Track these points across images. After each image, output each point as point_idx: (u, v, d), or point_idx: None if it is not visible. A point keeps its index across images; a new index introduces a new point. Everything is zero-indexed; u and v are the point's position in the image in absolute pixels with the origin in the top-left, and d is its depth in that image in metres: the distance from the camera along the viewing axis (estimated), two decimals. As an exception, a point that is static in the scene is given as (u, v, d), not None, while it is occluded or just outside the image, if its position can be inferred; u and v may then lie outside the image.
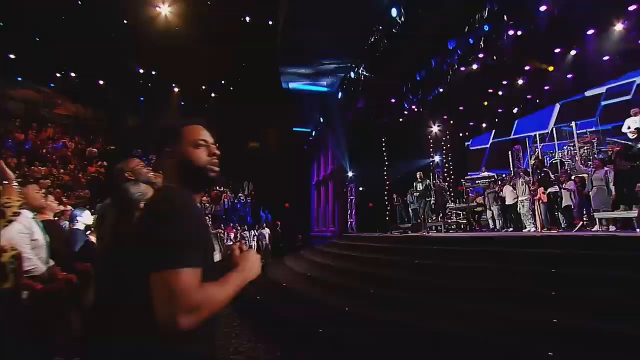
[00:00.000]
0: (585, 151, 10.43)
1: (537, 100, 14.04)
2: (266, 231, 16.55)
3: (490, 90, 13.96)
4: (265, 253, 15.73)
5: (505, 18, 9.26)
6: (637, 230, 6.75)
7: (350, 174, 17.34)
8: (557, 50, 11.06)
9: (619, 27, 9.66)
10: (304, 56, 12.29)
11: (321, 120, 16.82)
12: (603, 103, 12.31)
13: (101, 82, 19.34)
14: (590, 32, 10.11)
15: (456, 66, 11.43)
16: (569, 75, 12.32)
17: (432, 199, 13.01)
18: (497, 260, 4.47)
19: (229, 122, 21.55)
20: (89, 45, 15.42)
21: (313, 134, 19.32)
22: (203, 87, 20.91)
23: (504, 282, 3.96)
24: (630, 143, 7.34)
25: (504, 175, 12.50)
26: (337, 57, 11.61)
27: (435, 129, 18.23)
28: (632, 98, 11.31)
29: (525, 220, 9.56)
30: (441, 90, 14.13)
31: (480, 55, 11.50)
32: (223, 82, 20.23)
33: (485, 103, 14.89)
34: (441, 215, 13.20)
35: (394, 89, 14.54)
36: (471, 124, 17.75)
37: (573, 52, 10.86)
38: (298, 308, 5.29)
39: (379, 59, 11.88)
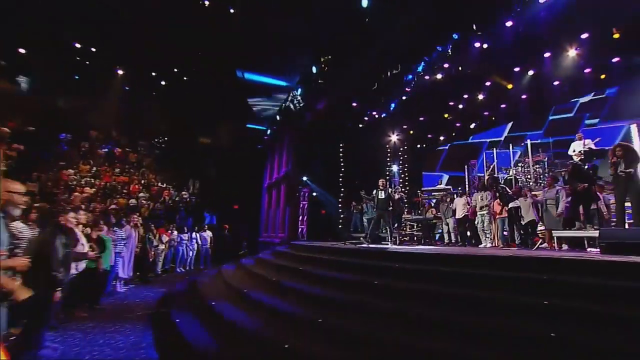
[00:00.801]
0: (539, 169, 10.58)
1: (493, 118, 14.29)
2: (208, 234, 14.91)
3: (451, 103, 13.91)
4: (205, 260, 14.14)
5: (474, 27, 8.98)
6: (588, 249, 6.62)
7: (304, 178, 16.40)
8: (516, 69, 11.18)
9: (572, 52, 9.90)
10: (264, 44, 11.14)
11: (277, 118, 15.67)
12: (550, 117, 12.82)
13: (22, 50, 16.35)
14: (547, 54, 10.29)
15: (422, 73, 11.03)
16: (523, 96, 12.62)
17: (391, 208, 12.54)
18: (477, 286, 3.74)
19: (178, 113, 19.58)
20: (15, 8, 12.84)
21: (268, 132, 18.07)
22: (153, 73, 18.70)
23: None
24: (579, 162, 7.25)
25: (459, 189, 12.40)
26: (299, 47, 10.62)
27: (394, 137, 17.98)
28: (574, 115, 11.80)
29: (482, 235, 9.31)
30: (404, 98, 13.81)
31: (446, 65, 11.30)
32: (175, 69, 18.21)
33: (446, 115, 14.85)
34: (396, 226, 12.75)
35: (357, 91, 13.92)
36: (429, 136, 17.78)
37: (531, 72, 11.05)
38: (219, 333, 4.16)
39: (343, 55, 11.15)
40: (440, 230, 11.67)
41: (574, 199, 6.87)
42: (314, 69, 11.68)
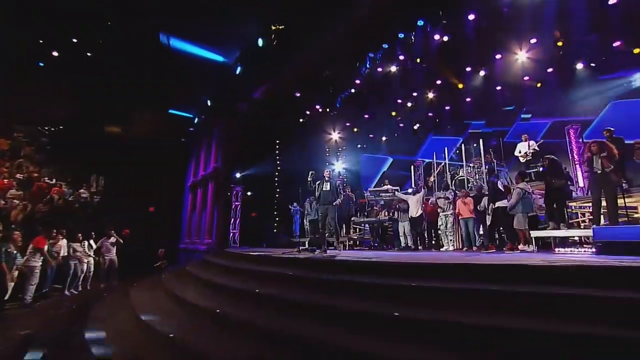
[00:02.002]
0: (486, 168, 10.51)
1: (437, 120, 14.27)
2: (113, 242, 11.66)
3: (399, 101, 13.44)
4: (109, 275, 10.86)
5: (440, 13, 8.35)
6: (555, 249, 6.29)
7: (237, 175, 14.35)
8: (468, 69, 11.07)
9: (522, 56, 10.05)
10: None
11: (208, 104, 13.35)
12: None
13: None
14: (498, 56, 10.31)
15: (378, 61, 10.14)
16: (468, 99, 12.73)
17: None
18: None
19: (83, 92, 15.52)
20: None
21: (195, 121, 15.47)
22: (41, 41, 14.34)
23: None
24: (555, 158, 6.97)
25: (410, 190, 11.82)
26: (244, 8, 8.71)
27: (335, 136, 17.03)
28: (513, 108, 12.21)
29: (445, 238, 8.68)
30: (353, 91, 12.88)
31: (401, 57, 10.64)
32: (75, 40, 14.26)
33: (394, 113, 14.37)
34: (344, 228, 11.62)
35: (305, 77, 12.49)
36: (371, 136, 17.25)
37: (482, 73, 11.04)
38: None
39: (298, 28, 9.64)
40: (392, 233, 10.87)
41: (549, 196, 6.47)
42: (260, 42, 9.86)
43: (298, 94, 13.25)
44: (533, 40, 9.35)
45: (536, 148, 9.50)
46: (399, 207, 9.82)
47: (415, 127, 15.27)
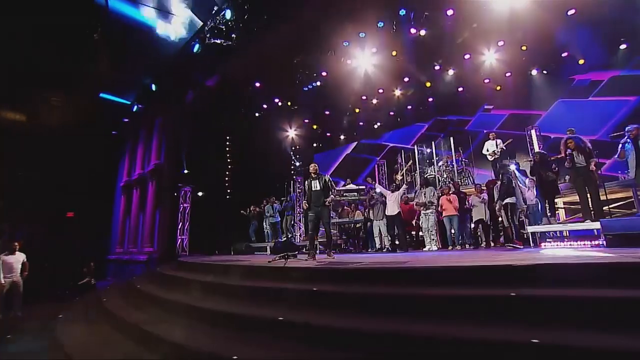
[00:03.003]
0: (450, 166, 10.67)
1: (399, 119, 14.24)
2: (17, 258, 8.74)
3: (364, 97, 13.04)
4: (10, 303, 8.03)
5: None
6: (541, 245, 6.32)
7: (185, 172, 12.53)
8: (437, 68, 11.09)
9: (490, 56, 10.36)
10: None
11: (152, 88, 11.37)
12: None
13: None
14: (467, 56, 10.49)
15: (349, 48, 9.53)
16: (430, 99, 12.89)
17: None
18: None
19: None
20: None
21: (134, 109, 13.17)
22: None
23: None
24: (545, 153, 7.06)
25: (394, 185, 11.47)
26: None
27: (292, 133, 16.09)
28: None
29: (427, 237, 8.32)
30: (318, 84, 12.11)
31: (374, 50, 10.20)
32: None
33: (357, 110, 13.94)
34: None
35: (268, 64, 11.33)
36: (328, 134, 16.66)
37: (450, 72, 11.17)
38: None
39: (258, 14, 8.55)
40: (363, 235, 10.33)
41: (543, 190, 6.46)
42: (228, 15, 8.43)
43: (258, 84, 12.02)
44: (500, 43, 9.66)
45: (503, 147, 9.82)
46: (374, 201, 9.23)
47: (376, 126, 15.10)
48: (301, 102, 13.44)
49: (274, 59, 10.92)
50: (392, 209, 8.57)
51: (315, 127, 15.48)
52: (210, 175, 13.51)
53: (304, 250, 7.10)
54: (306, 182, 6.30)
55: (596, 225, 5.64)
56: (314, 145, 17.08)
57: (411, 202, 8.82)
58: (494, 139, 9.97)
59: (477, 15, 8.43)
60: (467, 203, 7.76)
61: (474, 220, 7.82)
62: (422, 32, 9.17)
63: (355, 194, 12.18)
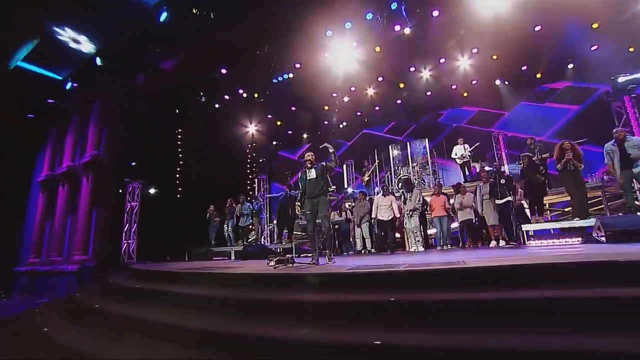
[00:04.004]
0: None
1: (365, 120, 14.14)
2: None
3: (334, 95, 12.64)
4: None
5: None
6: (529, 243, 6.57)
7: (133, 164, 10.74)
8: (412, 69, 11.19)
9: (464, 62, 10.77)
10: None
11: (97, 62, 9.43)
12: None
13: None
14: (442, 60, 10.76)
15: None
16: (398, 101, 13.02)
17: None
18: None
19: None
20: None
21: (68, 86, 10.85)
22: None
23: None
24: (531, 155, 7.36)
25: (382, 187, 11.19)
26: None
27: (252, 128, 15.00)
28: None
29: (412, 238, 8.14)
30: (290, 75, 11.37)
31: (355, 44, 9.86)
32: None
33: (326, 107, 13.45)
34: (287, 233, 9.97)
35: (232, 54, 10.26)
36: (289, 132, 15.92)
37: (424, 75, 11.34)
38: None
39: None
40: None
41: (532, 192, 6.69)
42: None
43: (224, 70, 10.84)
44: (474, 50, 10.10)
45: (470, 153, 10.25)
46: (360, 208, 8.87)
47: (341, 126, 14.83)
48: (268, 95, 12.53)
49: (245, 43, 9.95)
50: (386, 213, 8.24)
51: (279, 123, 14.63)
52: (161, 170, 11.82)
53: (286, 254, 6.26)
54: (299, 174, 5.56)
55: (589, 222, 5.98)
56: (274, 142, 16.17)
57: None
58: (462, 144, 10.38)
59: (464, 21, 8.64)
60: (459, 203, 7.75)
61: (459, 221, 7.88)
62: (407, 30, 9.09)
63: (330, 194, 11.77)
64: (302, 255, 9.39)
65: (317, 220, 5.41)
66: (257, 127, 14.98)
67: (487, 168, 8.23)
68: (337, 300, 2.99)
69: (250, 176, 15.71)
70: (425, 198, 8.46)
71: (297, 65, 10.87)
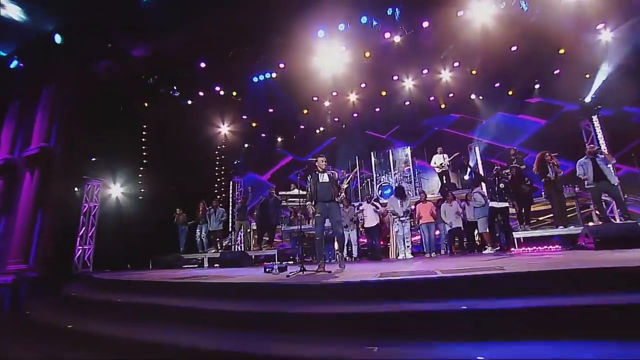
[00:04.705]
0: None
1: (344, 126, 14.06)
2: None
3: (315, 98, 12.39)
4: None
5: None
6: (512, 250, 6.83)
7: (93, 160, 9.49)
8: (395, 78, 11.33)
9: (445, 75, 11.15)
10: None
11: (55, 40, 8.20)
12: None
13: None
14: (425, 71, 11.05)
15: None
16: (377, 109, 13.14)
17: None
18: None
19: None
20: None
21: (12, 64, 9.29)
22: None
23: None
24: (519, 166, 7.68)
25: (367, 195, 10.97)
26: None
27: (224, 129, 14.19)
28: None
29: (401, 244, 8.06)
30: (273, 75, 10.92)
31: (343, 48, 9.75)
32: None
33: (306, 111, 13.14)
34: (267, 239, 9.41)
35: (211, 46, 9.58)
36: (263, 135, 15.35)
37: (406, 84, 11.54)
38: None
39: None
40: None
41: (520, 201, 6.95)
42: None
43: (203, 64, 10.11)
44: (456, 64, 10.51)
45: (448, 163, 10.58)
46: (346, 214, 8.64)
47: (318, 131, 14.62)
48: (247, 94, 11.94)
49: (230, 37, 9.38)
50: (372, 220, 8.13)
51: (254, 124, 14.02)
52: (124, 168, 10.63)
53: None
54: (309, 176, 5.29)
55: (574, 230, 6.32)
56: (245, 145, 15.45)
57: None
58: (441, 154, 10.68)
59: (451, 35, 8.94)
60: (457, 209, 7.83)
61: (449, 229, 7.97)
62: (397, 39, 9.18)
63: (304, 199, 11.41)
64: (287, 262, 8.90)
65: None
66: (230, 127, 14.21)
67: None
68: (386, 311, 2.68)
69: (218, 179, 14.84)
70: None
71: (281, 65, 10.48)
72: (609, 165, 6.52)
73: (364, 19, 8.42)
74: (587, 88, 9.52)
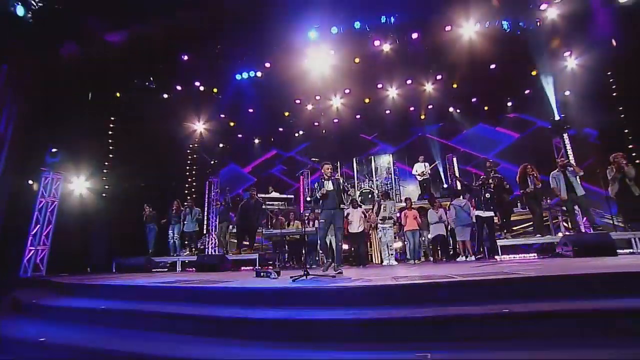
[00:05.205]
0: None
1: (324, 131, 13.97)
2: None
3: (297, 101, 12.22)
4: None
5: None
6: (496, 258, 7.08)
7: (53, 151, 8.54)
8: (379, 86, 11.49)
9: (428, 87, 11.48)
10: None
11: (19, 12, 7.32)
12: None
13: None
14: (408, 81, 11.32)
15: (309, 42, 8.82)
16: (357, 116, 13.24)
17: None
18: None
19: None
20: None
21: None
22: None
23: None
24: (500, 176, 7.98)
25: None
26: None
27: (200, 126, 13.54)
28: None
29: (385, 251, 8.03)
30: (258, 74, 10.62)
31: (332, 52, 9.72)
32: None
33: (287, 114, 12.90)
34: (248, 242, 8.99)
35: (195, 37, 9.12)
36: (240, 135, 14.87)
37: (390, 94, 11.73)
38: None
39: None
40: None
41: (502, 210, 7.22)
42: None
43: (185, 57, 9.61)
44: (439, 77, 10.89)
45: (429, 172, 10.88)
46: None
47: (297, 135, 14.43)
48: (227, 92, 11.50)
49: (218, 29, 9.01)
50: (357, 225, 8.04)
51: (232, 124, 13.54)
52: (88, 162, 9.71)
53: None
54: (316, 184, 5.37)
55: (554, 239, 6.66)
56: (220, 145, 14.86)
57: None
58: (422, 162, 10.96)
59: (439, 48, 9.24)
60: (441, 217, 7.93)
61: (432, 236, 8.08)
62: (386, 47, 9.33)
63: (282, 203, 11.16)
64: (266, 267, 8.55)
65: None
66: (206, 125, 13.59)
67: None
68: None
69: (189, 179, 14.09)
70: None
71: (267, 65, 10.23)
72: (577, 177, 6.97)
73: (357, 24, 8.46)
74: (556, 108, 10.28)
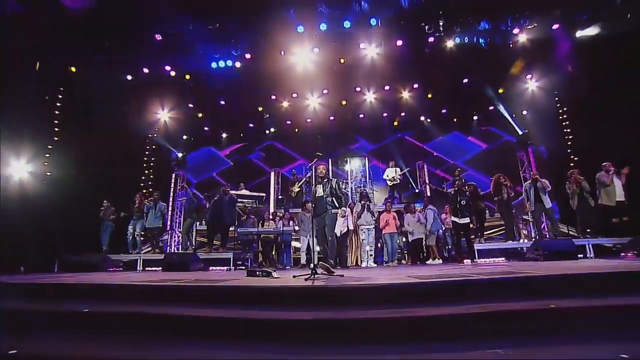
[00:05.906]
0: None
1: (297, 130, 13.68)
2: None
3: (273, 97, 11.83)
4: None
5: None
6: (465, 261, 7.39)
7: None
8: (357, 89, 11.53)
9: (405, 94, 11.76)
10: None
11: None
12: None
13: None
14: (386, 87, 11.51)
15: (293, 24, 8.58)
16: (331, 117, 13.19)
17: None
18: None
19: None
20: None
21: None
22: None
23: None
24: (476, 184, 8.33)
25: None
26: None
27: (164, 115, 12.53)
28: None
29: (365, 253, 7.98)
30: (237, 65, 10.07)
31: (317, 50, 9.55)
32: None
33: (261, 109, 12.41)
34: (222, 242, 8.40)
35: (170, 15, 8.41)
36: (206, 128, 14.02)
37: (367, 97, 11.82)
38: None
39: None
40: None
41: (476, 216, 7.56)
42: None
43: (159, 37, 8.80)
44: (415, 85, 11.23)
45: (400, 177, 11.13)
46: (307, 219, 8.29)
47: (268, 132, 13.98)
48: (200, 80, 10.78)
49: (195, 13, 8.40)
50: (343, 227, 7.89)
51: (201, 115, 12.72)
52: (31, 144, 8.42)
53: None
54: (304, 182, 5.18)
55: (525, 243, 7.10)
56: (184, 137, 13.88)
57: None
58: (393, 167, 11.20)
59: (420, 57, 9.51)
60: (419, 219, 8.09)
61: (411, 239, 8.20)
62: (371, 51, 9.40)
63: (252, 201, 10.70)
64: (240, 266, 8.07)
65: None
66: (171, 114, 12.59)
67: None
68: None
69: (146, 171, 12.93)
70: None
71: (248, 56, 9.76)
72: (546, 191, 7.56)
73: (347, 24, 8.39)
74: (519, 125, 11.15)
